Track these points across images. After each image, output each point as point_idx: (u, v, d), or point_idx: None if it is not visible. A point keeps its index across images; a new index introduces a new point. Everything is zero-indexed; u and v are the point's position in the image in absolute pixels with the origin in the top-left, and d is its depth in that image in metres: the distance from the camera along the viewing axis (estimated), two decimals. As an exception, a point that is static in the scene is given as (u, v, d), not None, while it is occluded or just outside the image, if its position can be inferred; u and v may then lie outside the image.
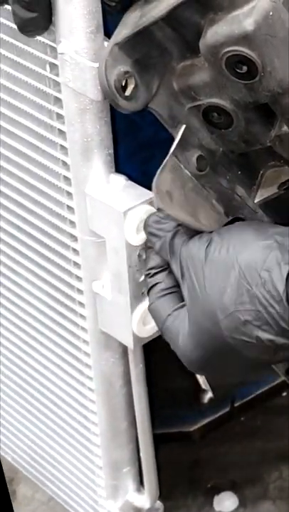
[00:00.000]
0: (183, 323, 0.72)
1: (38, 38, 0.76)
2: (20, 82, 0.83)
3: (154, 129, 0.78)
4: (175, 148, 0.73)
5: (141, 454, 1.01)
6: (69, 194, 0.83)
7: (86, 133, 0.76)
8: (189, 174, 0.74)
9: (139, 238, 0.77)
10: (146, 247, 0.78)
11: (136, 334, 0.84)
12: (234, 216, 0.77)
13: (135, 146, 0.87)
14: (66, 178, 0.83)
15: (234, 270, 0.66)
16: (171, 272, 0.74)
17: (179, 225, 0.73)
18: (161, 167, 0.72)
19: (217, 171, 0.75)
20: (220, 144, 0.74)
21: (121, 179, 0.79)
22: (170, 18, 0.67)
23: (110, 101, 0.72)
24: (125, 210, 0.76)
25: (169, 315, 0.74)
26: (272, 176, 0.77)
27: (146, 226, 0.75)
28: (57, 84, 0.77)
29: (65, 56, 0.72)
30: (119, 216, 0.76)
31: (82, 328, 0.92)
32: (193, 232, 0.73)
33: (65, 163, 0.82)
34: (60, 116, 0.79)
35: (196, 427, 1.40)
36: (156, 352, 0.90)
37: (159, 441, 1.03)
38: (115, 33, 0.70)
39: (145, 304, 0.82)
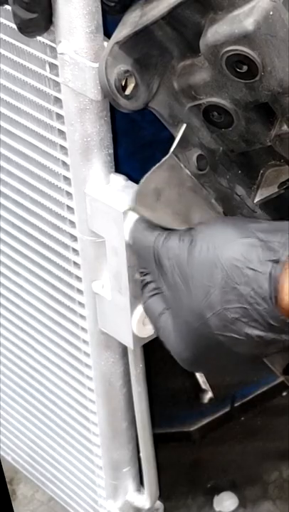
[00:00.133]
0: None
1: (38, 38, 0.76)
2: (20, 82, 0.83)
3: (154, 129, 0.78)
4: (175, 148, 0.73)
5: (141, 454, 1.01)
6: (69, 194, 0.83)
7: (86, 133, 0.76)
8: (189, 173, 0.74)
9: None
10: None
11: (136, 334, 0.84)
12: (233, 216, 0.77)
13: (135, 146, 0.87)
14: (66, 178, 0.83)
15: (218, 269, 0.66)
16: None
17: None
18: (157, 165, 0.72)
19: (217, 171, 0.75)
20: (220, 144, 0.74)
21: (121, 179, 0.78)
22: (170, 17, 0.67)
23: (110, 100, 0.72)
24: (125, 210, 0.76)
25: (161, 314, 0.74)
26: (273, 175, 0.77)
27: (131, 232, 0.75)
28: (57, 84, 0.77)
29: (64, 56, 0.72)
30: (119, 216, 0.76)
31: (82, 328, 0.92)
32: (172, 232, 0.72)
33: (64, 163, 0.82)
34: (59, 116, 0.79)
35: (196, 427, 1.39)
36: (156, 352, 0.90)
37: (159, 441, 1.03)
38: (115, 32, 0.70)
39: (144, 303, 0.82)
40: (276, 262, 0.64)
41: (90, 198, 0.79)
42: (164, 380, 1.22)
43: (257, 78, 0.65)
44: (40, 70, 0.79)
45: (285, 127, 0.69)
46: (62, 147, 0.81)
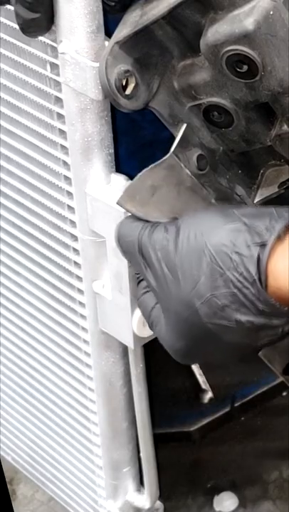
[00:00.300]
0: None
1: (39, 37, 0.76)
2: (20, 81, 0.83)
3: (154, 129, 0.78)
4: (175, 147, 0.73)
5: (141, 454, 1.01)
6: (69, 194, 0.83)
7: (86, 132, 0.76)
8: (189, 173, 0.74)
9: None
10: None
11: (136, 334, 0.84)
12: None
13: (136, 146, 0.87)
14: (67, 178, 0.83)
15: (205, 256, 0.66)
16: None
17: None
18: (156, 163, 0.72)
19: (217, 170, 0.75)
20: (220, 143, 0.74)
21: (121, 179, 0.78)
22: (171, 17, 0.67)
23: (111, 100, 0.72)
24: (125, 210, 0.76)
25: (153, 308, 0.74)
26: (273, 175, 0.77)
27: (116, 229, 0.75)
28: (57, 83, 0.77)
29: (65, 56, 0.72)
30: (120, 216, 0.76)
31: (83, 328, 0.92)
32: (156, 224, 0.72)
33: (65, 163, 0.82)
34: (60, 116, 0.79)
35: (196, 427, 1.39)
36: (156, 352, 0.90)
37: (159, 441, 1.03)
38: (116, 31, 0.70)
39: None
40: (263, 245, 0.63)
41: (90, 197, 0.79)
42: (164, 380, 1.22)
43: (257, 78, 0.65)
44: (41, 70, 0.79)
45: (285, 127, 0.69)
46: (63, 147, 0.81)
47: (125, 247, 0.74)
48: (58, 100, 0.78)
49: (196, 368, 1.29)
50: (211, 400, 1.36)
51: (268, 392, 1.45)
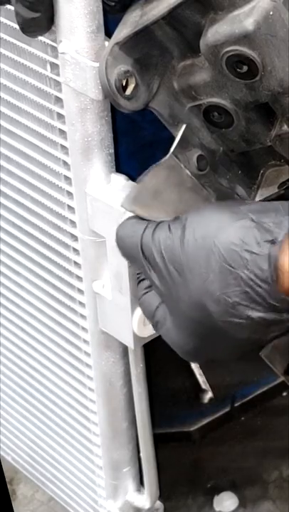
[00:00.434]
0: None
1: (39, 37, 0.76)
2: (20, 81, 0.83)
3: (154, 129, 0.78)
4: (175, 148, 0.73)
5: (141, 454, 1.01)
6: (69, 194, 0.83)
7: (87, 132, 0.76)
8: (189, 174, 0.74)
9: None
10: None
11: (136, 334, 0.84)
12: None
13: (136, 146, 0.87)
14: (67, 178, 0.83)
15: (214, 255, 0.65)
16: None
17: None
18: (156, 164, 0.72)
19: (217, 171, 0.75)
20: (220, 144, 0.74)
21: (121, 179, 0.78)
22: (170, 17, 0.67)
23: (111, 100, 0.72)
24: (126, 210, 0.76)
25: (157, 308, 0.73)
26: (273, 175, 0.77)
27: (117, 231, 0.74)
28: (57, 83, 0.77)
29: (65, 56, 0.72)
30: (120, 216, 0.76)
31: (83, 328, 0.92)
32: (159, 223, 0.71)
33: (65, 163, 0.82)
34: (60, 116, 0.79)
35: (196, 427, 1.39)
36: (156, 352, 0.90)
37: (159, 441, 1.03)
38: (116, 32, 0.70)
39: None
40: (273, 242, 0.63)
41: (90, 197, 0.79)
42: (164, 380, 1.22)
43: (257, 78, 0.65)
44: (41, 70, 0.79)
45: (285, 127, 0.69)
46: (63, 147, 0.81)
47: (127, 248, 0.73)
48: (58, 100, 0.78)
49: (196, 368, 1.29)
50: (211, 399, 1.36)
51: (268, 392, 1.45)
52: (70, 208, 0.84)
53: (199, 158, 0.74)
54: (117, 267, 0.81)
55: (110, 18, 0.72)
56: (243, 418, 1.45)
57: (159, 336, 0.79)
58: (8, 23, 0.80)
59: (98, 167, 0.78)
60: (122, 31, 0.69)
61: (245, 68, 0.65)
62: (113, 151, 0.78)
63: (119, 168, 0.80)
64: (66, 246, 0.88)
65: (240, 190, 0.76)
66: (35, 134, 0.84)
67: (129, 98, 0.71)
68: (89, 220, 0.81)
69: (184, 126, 0.73)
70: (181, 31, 0.69)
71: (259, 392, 1.44)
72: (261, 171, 0.77)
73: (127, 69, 0.70)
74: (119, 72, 0.70)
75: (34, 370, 1.07)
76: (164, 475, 1.06)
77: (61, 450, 1.11)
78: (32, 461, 1.21)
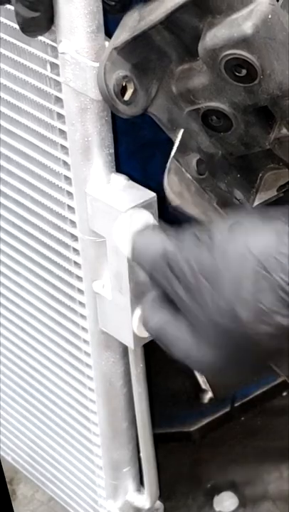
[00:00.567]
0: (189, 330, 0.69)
1: (39, 37, 0.76)
2: (20, 81, 0.83)
3: (154, 129, 0.77)
4: (175, 153, 0.73)
5: (141, 454, 1.01)
6: (69, 194, 0.83)
7: (87, 132, 0.76)
8: (191, 178, 0.74)
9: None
10: None
11: (136, 334, 0.84)
12: None
13: (136, 146, 0.87)
14: (67, 178, 0.82)
15: (248, 260, 0.63)
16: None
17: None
18: (166, 170, 0.72)
19: (216, 175, 0.75)
20: (219, 147, 0.74)
21: (121, 179, 0.78)
22: (168, 21, 0.67)
23: (110, 106, 0.72)
24: (126, 210, 0.76)
25: (167, 321, 0.70)
26: (272, 178, 0.77)
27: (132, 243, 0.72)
28: (57, 83, 0.77)
29: (65, 56, 0.72)
30: (120, 216, 0.76)
31: (83, 328, 0.92)
32: (183, 232, 0.69)
33: (65, 163, 0.82)
34: (60, 116, 0.79)
35: (196, 427, 1.40)
36: (156, 352, 0.90)
37: (159, 441, 1.03)
38: (114, 36, 0.70)
39: (146, 303, 0.82)
40: None
41: (90, 197, 0.79)
42: (164, 380, 1.23)
43: (256, 82, 0.65)
44: (41, 70, 0.79)
45: (284, 130, 0.69)
46: (63, 147, 0.81)
47: (147, 260, 0.69)
48: (58, 100, 0.78)
49: (196, 368, 1.28)
50: (211, 399, 1.37)
51: (268, 392, 1.45)
52: (70, 208, 0.84)
53: (198, 162, 0.74)
54: (117, 267, 0.80)
55: (110, 18, 0.72)
56: (243, 418, 1.45)
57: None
58: (8, 23, 0.80)
59: (98, 167, 0.78)
60: (120, 36, 0.69)
61: (244, 72, 0.64)
62: (113, 150, 0.78)
63: (119, 168, 0.80)
64: (66, 246, 0.88)
65: (238, 194, 0.76)
66: (35, 134, 0.84)
67: (127, 103, 0.71)
68: (89, 220, 0.81)
69: (181, 131, 0.73)
70: (179, 35, 0.69)
71: (259, 392, 1.44)
72: (260, 175, 0.77)
73: (126, 74, 0.70)
74: (117, 78, 0.70)
75: (34, 370, 1.07)
76: (164, 475, 1.06)
77: (61, 450, 1.11)
78: (32, 461, 1.21)
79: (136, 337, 0.84)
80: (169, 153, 0.74)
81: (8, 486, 1.23)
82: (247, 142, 0.72)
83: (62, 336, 0.97)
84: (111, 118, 0.76)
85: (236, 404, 1.43)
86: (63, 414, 1.06)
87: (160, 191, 0.74)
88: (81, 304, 0.90)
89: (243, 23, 0.62)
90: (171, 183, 0.72)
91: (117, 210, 0.76)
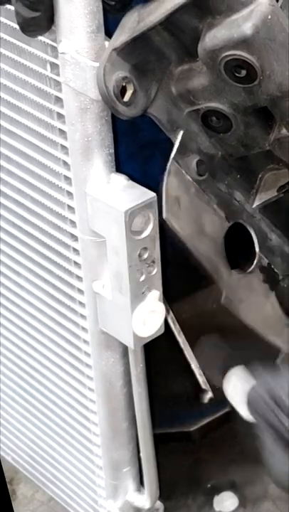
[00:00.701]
0: None
1: (39, 37, 0.76)
2: (20, 81, 0.83)
3: (154, 129, 0.78)
4: (175, 154, 0.73)
5: (141, 454, 1.01)
6: (69, 194, 0.83)
7: (87, 132, 0.76)
8: (190, 179, 0.74)
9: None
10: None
11: (136, 334, 0.84)
12: (234, 221, 0.77)
13: (136, 146, 0.87)
14: (67, 178, 0.82)
15: None
16: None
17: None
18: (166, 172, 0.72)
19: (216, 176, 0.75)
20: (219, 149, 0.74)
21: (121, 179, 0.78)
22: (168, 22, 0.67)
23: (110, 107, 0.72)
24: (126, 210, 0.76)
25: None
26: (272, 179, 0.77)
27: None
28: (57, 83, 0.77)
29: (65, 56, 0.72)
30: (120, 216, 0.76)
31: (83, 328, 0.92)
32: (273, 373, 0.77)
33: (65, 163, 0.82)
34: (60, 116, 0.79)
35: (196, 427, 1.39)
36: (156, 352, 0.90)
37: (159, 441, 1.03)
38: (113, 38, 0.70)
39: (145, 303, 0.82)
40: None
41: (90, 197, 0.79)
42: (164, 380, 1.22)
43: (256, 82, 0.65)
44: (41, 70, 0.79)
45: (284, 131, 0.69)
46: (63, 147, 0.81)
47: (258, 407, 0.82)
48: (58, 100, 0.78)
49: (196, 368, 1.28)
50: (211, 400, 1.36)
51: (268, 392, 1.44)
52: (70, 208, 0.84)
53: (198, 163, 0.74)
54: (117, 267, 0.80)
55: (110, 18, 0.72)
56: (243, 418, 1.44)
57: (159, 336, 0.79)
58: (8, 23, 0.80)
59: (98, 167, 0.78)
60: (120, 37, 0.69)
61: (243, 73, 0.64)
62: (113, 151, 0.78)
63: (119, 168, 0.80)
64: (66, 246, 0.88)
65: (238, 195, 0.76)
66: (35, 134, 0.84)
67: (127, 104, 0.71)
68: (89, 220, 0.81)
69: (181, 133, 0.73)
70: (178, 36, 0.69)
71: (259, 392, 1.44)
72: (260, 175, 0.77)
73: (125, 75, 0.70)
74: (117, 79, 0.70)
75: (34, 370, 1.07)
76: (164, 475, 1.06)
77: (61, 450, 1.11)
78: (32, 461, 1.21)
79: (136, 337, 0.84)
80: (169, 154, 0.74)
81: (8, 486, 1.23)
82: (247, 143, 0.72)
83: (62, 336, 0.97)
84: (111, 118, 0.76)
85: (236, 405, 1.43)
86: (63, 414, 1.06)
87: (160, 191, 0.74)
88: (81, 304, 0.90)
89: (242, 23, 0.62)
90: (169, 187, 0.72)
91: (117, 210, 0.76)
